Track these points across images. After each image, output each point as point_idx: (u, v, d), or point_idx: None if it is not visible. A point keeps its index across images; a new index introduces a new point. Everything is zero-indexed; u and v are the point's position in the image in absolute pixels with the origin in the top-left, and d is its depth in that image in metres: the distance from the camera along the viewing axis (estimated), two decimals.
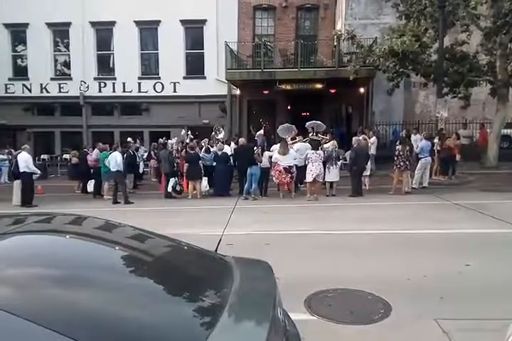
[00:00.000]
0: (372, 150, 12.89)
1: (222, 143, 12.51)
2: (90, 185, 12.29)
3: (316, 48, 17.90)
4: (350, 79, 14.14)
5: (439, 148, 12.39)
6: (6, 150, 16.54)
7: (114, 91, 19.74)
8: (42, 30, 19.63)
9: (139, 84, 19.59)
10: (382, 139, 16.55)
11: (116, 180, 10.96)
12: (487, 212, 7.73)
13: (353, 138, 11.30)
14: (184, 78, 19.25)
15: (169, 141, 14.51)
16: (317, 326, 3.39)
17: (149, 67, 20.22)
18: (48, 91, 20.05)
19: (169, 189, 11.31)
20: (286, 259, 4.79)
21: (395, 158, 10.66)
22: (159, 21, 19.01)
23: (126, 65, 19.35)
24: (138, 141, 17.01)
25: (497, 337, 2.33)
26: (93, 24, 19.47)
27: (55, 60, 20.49)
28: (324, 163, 10.34)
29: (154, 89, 19.53)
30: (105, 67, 20.18)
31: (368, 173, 11.16)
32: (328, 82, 16.08)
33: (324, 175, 10.36)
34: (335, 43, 16.50)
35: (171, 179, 11.37)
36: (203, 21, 18.87)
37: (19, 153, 11.17)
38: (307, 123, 13.30)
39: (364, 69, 14.61)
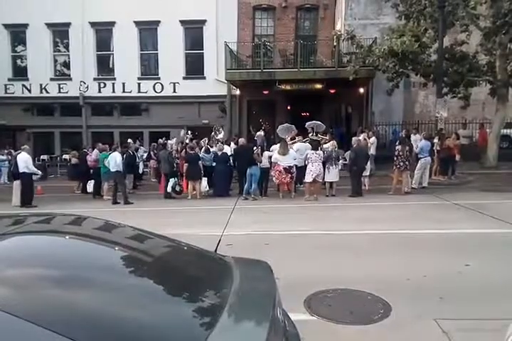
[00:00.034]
0: (372, 151, 12.89)
1: (222, 143, 12.51)
2: (90, 186, 12.29)
3: (316, 48, 17.91)
4: (349, 79, 14.15)
5: (438, 148, 12.39)
6: (6, 151, 16.54)
7: (113, 91, 19.75)
8: (41, 30, 19.64)
9: (139, 84, 19.59)
10: (381, 139, 16.55)
11: (115, 180, 10.96)
12: (487, 212, 7.73)
13: (353, 139, 11.31)
14: (184, 78, 19.26)
15: (169, 141, 14.52)
16: (317, 326, 3.39)
17: (149, 68, 20.23)
18: (47, 92, 20.06)
19: (169, 189, 11.31)
20: (285, 259, 4.79)
21: (395, 158, 10.66)
22: (159, 21, 19.02)
23: (125, 65, 19.36)
24: (138, 141, 17.01)
25: (497, 337, 2.33)
26: (93, 24, 19.48)
27: (55, 61, 20.51)
28: (324, 163, 10.34)
29: (154, 89, 19.53)
30: (105, 67, 20.19)
31: (368, 173, 11.16)
32: (328, 82, 16.09)
33: (324, 175, 10.36)
34: (334, 43, 16.51)
35: (170, 179, 11.37)
36: (203, 21, 18.88)
37: (19, 153, 11.16)
38: (307, 124, 13.30)
39: (364, 70, 14.62)
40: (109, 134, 19.46)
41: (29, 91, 20.13)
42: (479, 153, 14.63)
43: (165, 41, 19.14)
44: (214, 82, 18.79)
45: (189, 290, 1.84)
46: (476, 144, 15.51)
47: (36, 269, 1.68)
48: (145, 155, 15.57)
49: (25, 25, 19.69)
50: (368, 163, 11.08)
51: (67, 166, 15.47)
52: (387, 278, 4.37)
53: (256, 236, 6.54)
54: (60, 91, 20.00)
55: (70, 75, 20.16)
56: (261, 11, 19.18)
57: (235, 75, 17.00)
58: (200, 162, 11.30)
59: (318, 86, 16.45)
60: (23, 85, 20.11)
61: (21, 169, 10.47)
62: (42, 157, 19.08)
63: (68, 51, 20.25)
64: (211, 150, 11.93)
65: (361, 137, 12.56)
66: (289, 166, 10.41)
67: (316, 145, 10.85)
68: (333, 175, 10.46)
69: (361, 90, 16.88)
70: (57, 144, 20.61)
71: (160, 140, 15.21)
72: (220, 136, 14.23)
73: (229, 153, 11.86)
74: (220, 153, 11.48)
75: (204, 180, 11.34)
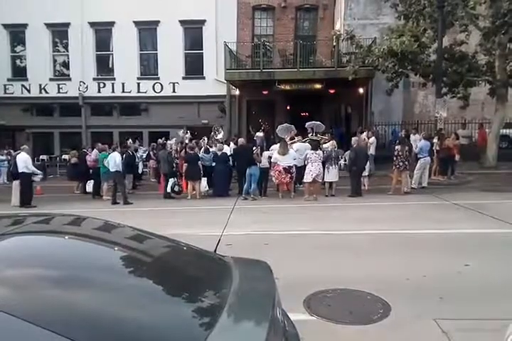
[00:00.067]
0: (372, 151, 12.90)
1: (222, 143, 12.51)
2: (89, 186, 12.28)
3: (315, 48, 17.92)
4: (349, 79, 14.15)
5: (438, 148, 12.39)
6: (5, 151, 16.52)
7: (113, 91, 19.75)
8: (41, 30, 19.64)
9: (138, 84, 19.59)
10: (381, 139, 16.57)
11: (115, 180, 10.95)
12: (486, 212, 7.74)
13: (353, 139, 11.30)
14: (183, 78, 19.27)
15: (168, 141, 14.52)
16: (316, 326, 3.39)
17: (148, 68, 20.23)
18: (46, 92, 20.05)
19: (168, 189, 11.30)
20: (285, 259, 4.79)
21: (394, 158, 10.66)
22: (158, 22, 19.02)
23: (125, 65, 19.36)
24: (137, 141, 17.01)
25: (496, 337, 2.33)
26: (92, 24, 19.47)
27: (54, 61, 20.51)
28: (323, 163, 10.34)
29: (153, 89, 19.53)
30: (104, 67, 20.18)
31: (367, 174, 11.15)
32: (328, 82, 16.09)
33: (323, 175, 10.35)
34: (334, 43, 16.52)
35: (170, 179, 11.37)
36: (202, 21, 18.89)
37: (18, 153, 11.15)
38: (307, 124, 13.32)
39: (363, 70, 14.62)
40: (109, 134, 19.46)
41: (28, 91, 20.13)
42: (479, 153, 14.64)
43: (164, 41, 19.15)
44: (213, 82, 18.80)
45: (188, 290, 1.84)
46: (476, 144, 15.53)
47: (35, 269, 1.67)
48: (144, 155, 15.56)
49: (25, 26, 19.69)
50: (367, 163, 11.09)
51: (67, 166, 15.47)
52: (387, 278, 4.37)
53: (255, 236, 6.54)
54: (59, 92, 19.99)
55: (69, 75, 20.16)
56: (260, 11, 19.19)
57: (234, 75, 17.00)
58: (199, 162, 11.30)
59: (318, 86, 16.46)
60: (23, 85, 20.11)
61: (20, 169, 10.45)
62: (41, 157, 19.06)
63: (67, 51, 20.25)
64: (211, 150, 11.93)
65: (364, 135, 12.62)
66: (289, 166, 10.41)
67: (315, 145, 10.85)
68: (332, 175, 10.46)
69: (361, 90, 16.89)
70: (57, 144, 20.61)
71: (159, 140, 15.21)
72: (220, 136, 14.23)
73: (228, 153, 11.86)
74: (219, 153, 11.48)
75: (204, 180, 11.34)
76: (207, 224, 7.45)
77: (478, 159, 14.51)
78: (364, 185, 11.09)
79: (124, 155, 12.03)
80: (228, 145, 12.86)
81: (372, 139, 13.38)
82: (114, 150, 11.28)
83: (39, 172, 11.29)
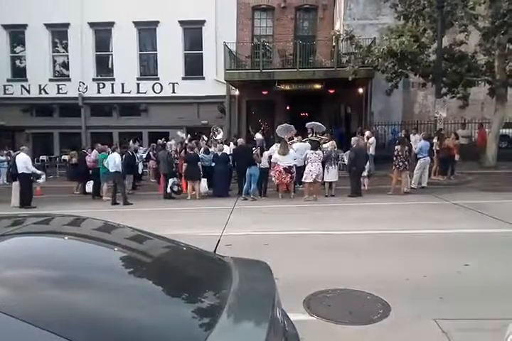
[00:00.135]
0: (371, 151, 12.91)
1: (221, 143, 12.51)
2: (89, 186, 12.28)
3: (315, 49, 17.91)
4: (349, 79, 14.15)
5: (438, 148, 12.40)
6: (5, 152, 16.52)
7: (112, 92, 19.73)
8: (40, 31, 19.61)
9: (138, 84, 19.58)
10: (381, 139, 16.57)
11: (115, 181, 10.95)
12: (486, 212, 7.74)
13: (352, 139, 11.30)
14: (183, 79, 19.25)
15: (169, 142, 14.52)
16: (316, 326, 3.39)
17: (148, 68, 20.21)
18: (46, 92, 20.04)
19: (168, 190, 11.30)
20: (285, 260, 4.79)
21: (394, 158, 10.67)
22: (158, 22, 19.01)
23: (124, 65, 19.34)
24: (137, 141, 16.99)
25: (496, 337, 2.34)
26: (92, 25, 19.46)
27: (54, 61, 20.48)
28: (323, 163, 10.34)
29: (153, 89, 19.52)
30: (104, 67, 20.16)
31: (366, 174, 11.14)
32: (327, 82, 16.09)
33: (323, 175, 10.35)
34: (333, 44, 16.52)
35: (169, 179, 11.36)
36: (202, 22, 18.87)
37: (18, 154, 11.15)
38: (307, 124, 13.32)
39: (363, 70, 14.62)
40: (109, 135, 19.44)
41: (28, 91, 20.11)
42: (478, 152, 14.64)
43: (164, 41, 19.13)
44: (213, 83, 18.79)
45: (188, 290, 1.84)
46: (475, 144, 15.54)
47: (35, 270, 1.67)
48: (144, 155, 15.56)
49: (24, 26, 19.67)
50: (368, 163, 11.10)
51: (67, 167, 15.47)
52: (387, 278, 4.37)
53: (255, 236, 6.54)
54: (59, 92, 19.97)
55: (69, 76, 20.13)
56: (260, 12, 19.18)
57: (234, 75, 17.00)
58: (199, 162, 11.29)
59: (318, 86, 16.45)
60: (22, 86, 20.09)
61: (20, 170, 10.45)
62: (41, 158, 19.05)
63: (67, 52, 20.22)
64: (210, 150, 11.94)
65: (367, 133, 12.64)
66: (289, 166, 10.42)
67: (315, 145, 10.85)
68: (332, 175, 10.46)
69: (360, 90, 16.89)
70: (57, 145, 20.58)
71: (159, 140, 15.21)
72: (219, 136, 14.22)
73: (228, 153, 11.86)
74: (220, 154, 11.48)
75: (204, 181, 11.34)
76: (207, 225, 7.45)
77: (477, 159, 14.51)
78: (364, 185, 11.09)
79: (124, 156, 12.02)
80: (228, 146, 12.86)
81: (372, 139, 13.38)
82: (113, 151, 11.28)
83: (39, 172, 11.28)
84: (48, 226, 2.36)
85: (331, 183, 10.64)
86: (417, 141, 12.40)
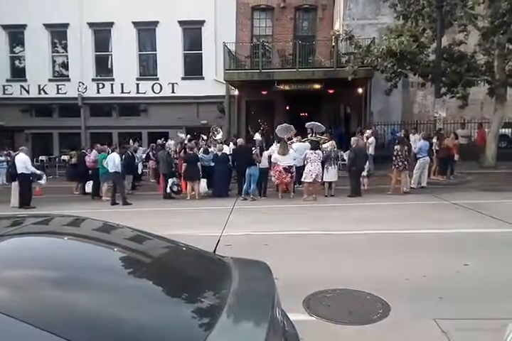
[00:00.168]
0: (371, 151, 12.91)
1: (221, 143, 12.51)
2: (88, 186, 12.27)
3: (314, 49, 17.92)
4: (348, 79, 14.16)
5: (437, 148, 12.40)
6: (5, 152, 16.51)
7: (112, 92, 19.73)
8: (40, 31, 19.61)
9: (137, 85, 19.57)
10: (380, 139, 16.57)
11: (114, 181, 10.94)
12: (485, 212, 7.74)
13: (352, 139, 11.30)
14: (182, 79, 19.25)
15: (169, 140, 14.51)
16: (316, 326, 3.39)
17: (147, 68, 20.20)
18: (45, 93, 20.03)
19: (168, 190, 11.30)
20: (284, 260, 4.79)
21: (394, 158, 10.67)
22: (157, 22, 19.01)
23: (124, 65, 19.34)
24: (136, 141, 17.00)
25: (496, 337, 2.34)
26: (91, 25, 19.45)
27: (53, 61, 20.48)
28: (323, 163, 10.34)
29: (152, 90, 19.52)
30: (103, 68, 20.16)
31: (365, 174, 11.14)
32: (327, 82, 16.09)
33: (323, 175, 10.36)
34: (333, 44, 16.52)
35: (169, 179, 11.36)
36: (201, 22, 18.87)
37: (17, 154, 11.14)
38: (306, 124, 13.32)
39: (362, 70, 14.62)
40: (108, 135, 19.44)
41: (27, 92, 20.11)
42: (478, 152, 14.66)
43: (163, 42, 19.13)
44: (212, 83, 18.79)
45: (188, 290, 1.84)
46: (475, 144, 15.55)
47: (35, 270, 1.67)
48: (144, 155, 15.55)
49: (24, 26, 19.66)
50: (367, 163, 11.10)
51: (66, 167, 15.46)
52: (386, 278, 4.37)
53: (255, 236, 6.55)
54: (58, 92, 19.97)
55: (68, 76, 20.13)
56: (259, 12, 19.18)
57: (233, 76, 17.00)
58: (198, 163, 11.29)
59: (317, 86, 16.45)
60: (22, 86, 20.09)
61: (19, 170, 10.44)
62: (40, 158, 19.04)
63: (66, 52, 20.21)
64: (210, 150, 11.93)
65: (368, 133, 12.64)
66: (289, 166, 10.42)
67: (315, 145, 10.85)
68: (331, 175, 10.46)
69: (360, 90, 16.90)
70: (56, 145, 20.58)
71: (159, 140, 15.20)
72: (219, 136, 14.22)
73: (228, 153, 11.85)
74: (220, 154, 11.47)
75: (203, 182, 11.33)
76: (206, 225, 7.45)
77: (477, 159, 14.53)
78: (363, 185, 11.08)
79: (124, 156, 12.02)
80: (228, 146, 12.86)
81: (372, 139, 13.39)
82: (113, 151, 11.27)
83: (39, 172, 11.27)
84: (47, 226, 2.36)
85: (330, 183, 10.64)
86: (417, 141, 12.39)
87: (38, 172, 11.17)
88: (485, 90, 14.86)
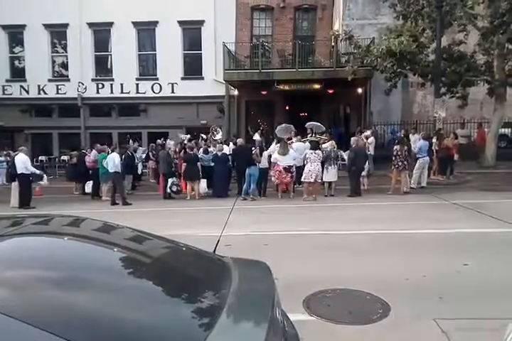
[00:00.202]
0: (371, 151, 12.91)
1: (221, 143, 12.51)
2: (88, 186, 12.27)
3: (314, 49, 17.92)
4: (348, 79, 14.16)
5: (437, 148, 12.40)
6: (4, 152, 16.50)
7: (111, 92, 19.73)
8: (39, 31, 19.61)
9: (137, 85, 19.58)
10: (380, 139, 16.57)
11: (114, 181, 10.94)
12: (485, 212, 7.75)
13: (352, 139, 11.30)
14: (182, 79, 19.25)
15: (168, 141, 14.51)
16: (316, 326, 3.39)
17: (147, 68, 20.20)
18: (45, 93, 20.03)
19: (168, 190, 11.30)
20: (284, 260, 4.79)
21: (393, 158, 10.67)
22: (157, 22, 19.01)
23: (123, 66, 19.33)
24: (136, 141, 17.00)
25: (495, 337, 2.34)
26: (91, 25, 19.45)
27: (53, 62, 20.48)
28: (322, 163, 10.34)
29: (152, 90, 19.52)
30: (103, 68, 20.16)
31: (365, 173, 11.14)
32: (326, 82, 16.10)
33: (322, 175, 10.36)
34: (333, 44, 16.52)
35: (169, 179, 11.35)
36: (201, 22, 18.88)
37: (16, 154, 11.14)
38: (306, 124, 13.32)
39: (362, 70, 14.62)
40: (108, 135, 19.44)
41: (27, 92, 20.10)
42: (477, 152, 14.66)
43: (163, 42, 19.13)
44: (212, 83, 18.79)
45: (188, 291, 1.84)
46: (475, 144, 15.56)
47: (34, 271, 1.67)
48: (144, 155, 15.55)
49: (23, 26, 19.66)
50: (367, 162, 11.10)
51: (66, 167, 15.45)
52: (386, 278, 4.37)
53: (255, 236, 6.54)
54: (58, 92, 19.97)
55: (68, 76, 20.13)
56: (259, 12, 19.18)
57: (233, 76, 17.00)
58: (198, 163, 11.29)
59: (317, 86, 16.45)
60: (21, 86, 20.08)
61: (19, 170, 10.44)
62: (40, 158, 19.05)
63: (66, 52, 20.21)
64: (210, 150, 11.93)
65: (368, 132, 12.64)
66: (289, 166, 10.42)
67: (314, 145, 10.86)
68: (331, 174, 10.46)
69: (359, 90, 16.91)
70: (56, 145, 20.58)
71: (158, 140, 15.20)
72: (218, 136, 14.22)
73: (228, 153, 11.85)
74: (219, 154, 11.47)
75: (203, 182, 11.33)
76: (206, 225, 7.45)
77: (477, 159, 14.53)
78: (363, 185, 11.09)
79: (124, 156, 12.01)
80: (228, 146, 12.86)
81: (371, 139, 13.38)
82: (113, 151, 11.27)
83: (39, 172, 11.26)
84: (47, 226, 2.36)
85: (330, 183, 10.65)
86: (416, 141, 12.40)
87: (38, 172, 11.16)
88: (484, 90, 14.86)
